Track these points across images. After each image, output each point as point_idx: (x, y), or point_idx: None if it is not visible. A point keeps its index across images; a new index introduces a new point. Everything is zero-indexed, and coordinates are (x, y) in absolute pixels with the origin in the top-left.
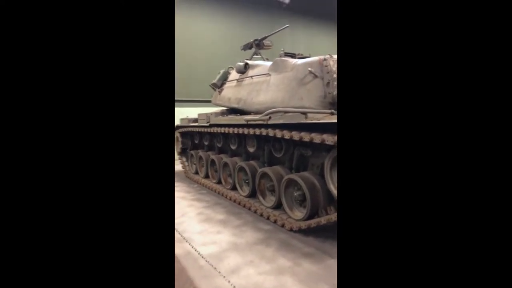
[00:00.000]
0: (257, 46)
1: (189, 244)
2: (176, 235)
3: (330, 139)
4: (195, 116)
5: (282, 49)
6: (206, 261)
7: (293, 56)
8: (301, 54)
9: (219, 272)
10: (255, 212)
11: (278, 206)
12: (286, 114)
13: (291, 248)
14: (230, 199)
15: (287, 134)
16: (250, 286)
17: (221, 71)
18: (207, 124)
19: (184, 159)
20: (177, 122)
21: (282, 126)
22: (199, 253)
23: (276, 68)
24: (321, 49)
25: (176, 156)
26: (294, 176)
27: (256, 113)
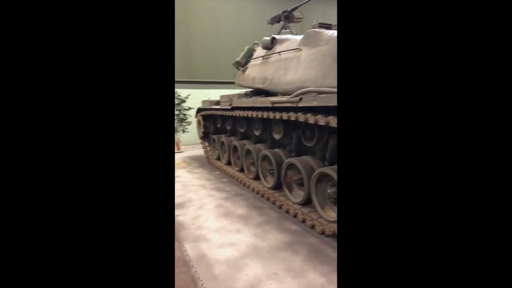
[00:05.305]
0: (286, 18)
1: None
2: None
3: None
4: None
5: (315, 21)
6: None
7: (328, 27)
8: None
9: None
10: (280, 207)
11: (307, 201)
12: (320, 95)
13: (323, 258)
14: (253, 190)
15: (321, 120)
16: None
17: (246, 48)
18: (229, 107)
19: (206, 143)
20: (199, 104)
21: (315, 110)
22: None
23: (309, 41)
24: None
25: (199, 140)
26: (328, 169)
27: (284, 94)
